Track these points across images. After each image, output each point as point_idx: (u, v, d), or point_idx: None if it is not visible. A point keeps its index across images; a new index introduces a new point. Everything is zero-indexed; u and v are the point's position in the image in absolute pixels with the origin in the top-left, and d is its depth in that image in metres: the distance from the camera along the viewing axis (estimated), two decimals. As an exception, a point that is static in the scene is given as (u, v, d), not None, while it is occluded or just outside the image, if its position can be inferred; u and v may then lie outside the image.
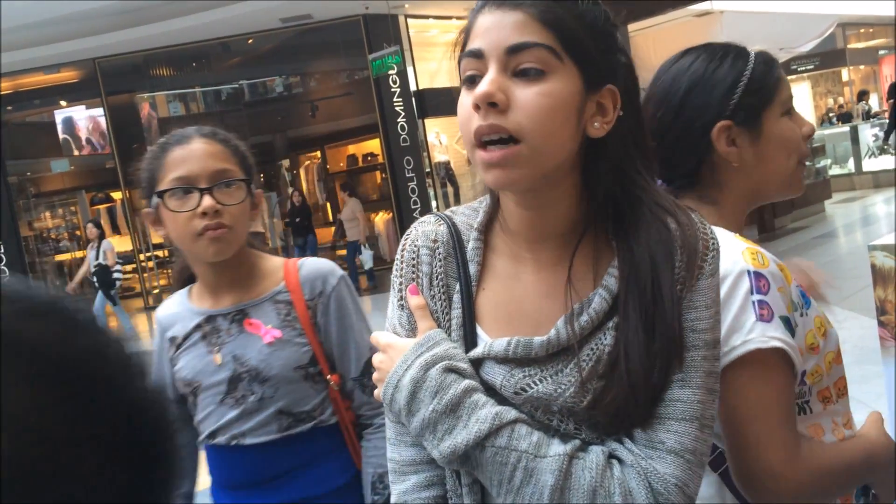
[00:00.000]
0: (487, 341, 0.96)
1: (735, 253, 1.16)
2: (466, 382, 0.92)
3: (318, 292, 1.64)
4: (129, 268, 16.10)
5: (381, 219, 14.58)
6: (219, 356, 1.60)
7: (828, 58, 22.72)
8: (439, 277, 1.01)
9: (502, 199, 1.01)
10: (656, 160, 1.00)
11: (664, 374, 0.90)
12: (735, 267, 1.14)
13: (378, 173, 14.99)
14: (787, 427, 1.12)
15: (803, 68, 22.78)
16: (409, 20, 13.76)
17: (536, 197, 0.95)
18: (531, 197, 0.95)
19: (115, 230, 16.59)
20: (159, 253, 15.74)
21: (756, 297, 1.13)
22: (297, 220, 12.91)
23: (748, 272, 1.14)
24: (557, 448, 0.89)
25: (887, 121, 13.97)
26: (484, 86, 0.88)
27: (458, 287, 1.00)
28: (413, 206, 13.47)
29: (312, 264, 1.68)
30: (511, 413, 0.91)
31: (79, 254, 16.48)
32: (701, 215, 0.97)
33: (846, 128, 15.92)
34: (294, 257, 1.73)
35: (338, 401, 1.64)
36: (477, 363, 0.96)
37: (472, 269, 1.00)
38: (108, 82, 14.11)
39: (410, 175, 13.57)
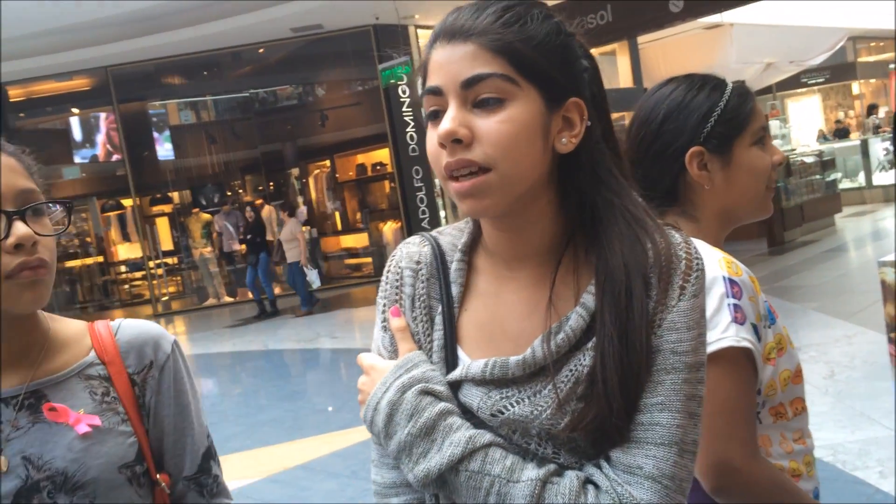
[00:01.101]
0: (466, 363, 0.95)
1: (712, 260, 1.25)
2: (442, 405, 0.92)
3: (147, 363, 1.25)
4: (138, 275, 16.21)
5: (389, 228, 14.60)
6: (2, 460, 1.13)
7: (838, 71, 22.66)
8: (422, 299, 1.01)
9: (481, 222, 1.01)
10: (628, 160, 1.01)
11: (637, 388, 0.88)
12: (711, 272, 1.22)
13: (387, 183, 15.02)
14: (748, 425, 1.21)
15: (813, 81, 22.71)
16: (419, 31, 13.81)
17: (512, 220, 0.95)
18: (507, 220, 0.95)
19: (126, 237, 16.67)
20: (169, 260, 15.80)
21: (731, 300, 1.22)
22: (249, 236, 12.30)
23: (723, 278, 1.24)
24: (530, 473, 0.88)
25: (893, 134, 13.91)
26: (446, 124, 0.88)
27: (440, 308, 1.00)
28: (422, 216, 13.49)
29: (134, 327, 1.28)
30: (486, 437, 0.90)
31: (88, 260, 16.58)
32: (685, 234, 0.97)
33: (857, 141, 15.87)
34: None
35: None
36: (455, 385, 0.95)
37: (455, 290, 1.00)
38: (119, 90, 14.20)
39: (419, 185, 13.59)
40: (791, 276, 8.91)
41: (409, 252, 1.04)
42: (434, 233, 1.07)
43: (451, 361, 0.97)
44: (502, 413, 0.91)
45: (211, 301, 14.27)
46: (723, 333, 1.18)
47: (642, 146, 1.38)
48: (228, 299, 14.60)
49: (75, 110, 15.05)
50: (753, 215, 1.43)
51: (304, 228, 12.40)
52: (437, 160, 0.92)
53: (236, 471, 4.84)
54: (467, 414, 0.94)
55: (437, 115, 0.92)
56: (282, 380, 8.24)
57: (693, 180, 1.36)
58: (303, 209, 15.08)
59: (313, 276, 11.58)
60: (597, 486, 0.88)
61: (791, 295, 7.80)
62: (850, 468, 3.78)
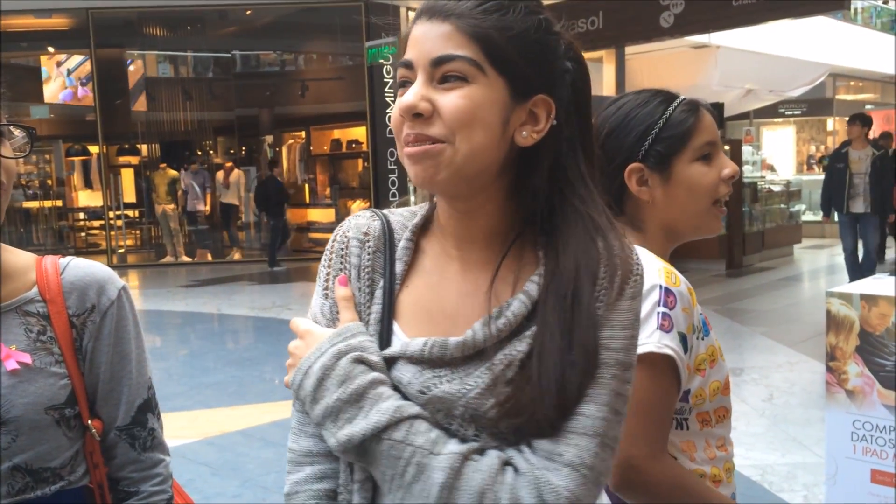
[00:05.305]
0: (405, 341, 0.96)
1: (652, 269, 1.28)
2: (374, 374, 0.93)
3: (89, 306, 1.23)
4: (96, 224, 15.94)
5: (357, 207, 14.56)
6: None
7: (815, 105, 23.03)
8: (366, 271, 1.02)
9: (437, 200, 1.03)
10: (600, 169, 1.03)
11: (578, 388, 0.89)
12: (649, 280, 1.24)
13: (360, 161, 14.96)
14: (658, 428, 1.24)
15: (790, 113, 23.09)
16: (411, 13, 13.75)
17: (463, 202, 0.97)
18: (459, 202, 0.97)
19: (88, 184, 16.38)
20: (130, 213, 15.56)
21: (661, 308, 1.26)
22: None
23: (660, 286, 1.28)
24: (453, 447, 0.89)
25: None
26: (408, 97, 0.92)
27: (382, 283, 1.01)
28: (391, 199, 13.46)
29: (82, 268, 1.26)
30: (413, 408, 0.91)
31: (47, 203, 16.25)
32: (630, 240, 0.99)
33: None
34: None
35: (94, 455, 1.23)
36: (391, 361, 0.96)
37: (399, 267, 1.01)
38: (99, 34, 13.89)
39: (392, 167, 13.56)
40: (744, 299, 9.07)
41: (357, 223, 1.05)
42: (385, 211, 1.08)
43: (385, 336, 0.98)
44: (430, 390, 0.92)
45: (168, 259, 14.09)
46: (647, 339, 1.22)
47: None
48: (186, 259, 14.43)
49: (51, 49, 14.71)
50: (697, 232, 1.45)
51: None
52: (399, 131, 0.94)
53: (173, 430, 4.78)
54: (398, 390, 0.94)
55: (405, 86, 0.94)
56: (231, 345, 8.18)
57: (635, 194, 1.40)
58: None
59: None
60: (516, 469, 0.88)
61: (741, 317, 7.95)
62: (777, 489, 3.88)
